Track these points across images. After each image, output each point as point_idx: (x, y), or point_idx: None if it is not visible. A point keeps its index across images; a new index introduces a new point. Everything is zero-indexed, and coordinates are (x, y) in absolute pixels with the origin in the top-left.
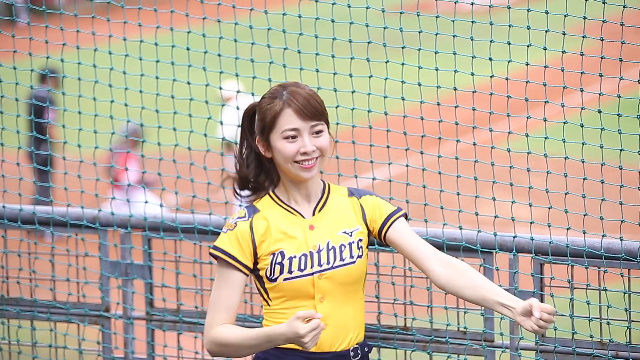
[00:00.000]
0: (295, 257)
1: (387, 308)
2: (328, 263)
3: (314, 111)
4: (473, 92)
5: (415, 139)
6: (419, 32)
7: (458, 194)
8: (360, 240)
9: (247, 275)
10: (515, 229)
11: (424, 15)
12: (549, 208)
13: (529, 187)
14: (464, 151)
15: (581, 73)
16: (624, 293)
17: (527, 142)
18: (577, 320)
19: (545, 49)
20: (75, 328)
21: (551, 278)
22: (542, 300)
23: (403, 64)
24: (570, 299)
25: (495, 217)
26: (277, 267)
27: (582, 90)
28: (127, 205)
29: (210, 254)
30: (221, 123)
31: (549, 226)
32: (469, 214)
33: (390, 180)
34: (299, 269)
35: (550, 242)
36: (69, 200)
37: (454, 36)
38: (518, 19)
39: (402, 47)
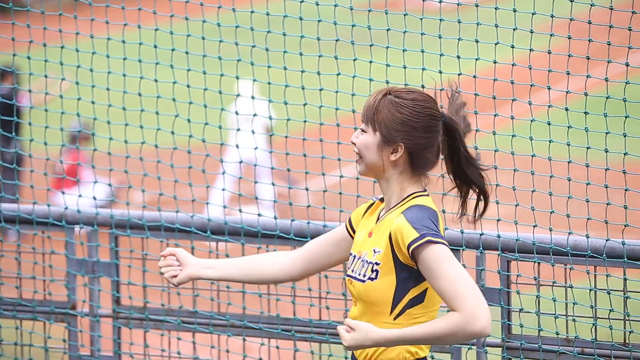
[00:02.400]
0: (351, 254)
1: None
2: (353, 271)
3: (364, 112)
4: (441, 89)
5: None
6: (387, 30)
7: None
8: (377, 264)
9: (351, 236)
10: (482, 226)
11: (392, 13)
12: (516, 205)
13: (496, 185)
14: None
15: (549, 71)
16: (590, 290)
17: (494, 140)
18: (543, 317)
19: (513, 47)
20: (41, 326)
21: (518, 275)
22: (508, 297)
23: (371, 61)
24: (537, 296)
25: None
26: None
27: (549, 88)
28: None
29: None
30: (236, 113)
31: (516, 223)
32: None
33: (357, 178)
34: (347, 267)
35: (517, 240)
36: (34, 198)
37: (422, 34)
38: (486, 17)
39: (370, 45)
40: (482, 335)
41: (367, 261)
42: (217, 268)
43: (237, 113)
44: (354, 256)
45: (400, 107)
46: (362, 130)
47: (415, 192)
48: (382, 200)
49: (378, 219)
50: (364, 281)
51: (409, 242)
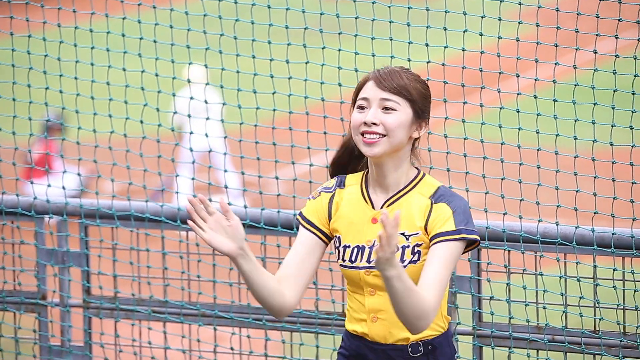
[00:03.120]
0: (349, 246)
1: (324, 294)
2: (372, 261)
3: (393, 84)
4: None
5: None
6: (356, 18)
7: None
8: (418, 245)
9: (322, 241)
10: None
11: (360, 1)
12: (486, 193)
13: (466, 173)
14: None
15: (517, 59)
16: (560, 277)
17: (463, 128)
18: (514, 304)
19: (481, 34)
20: (11, 316)
21: (488, 263)
22: (478, 285)
23: (340, 50)
24: (507, 283)
25: None
26: (336, 250)
27: (518, 76)
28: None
29: (296, 219)
30: (175, 113)
31: (486, 211)
32: None
33: (327, 167)
34: (350, 260)
35: (487, 228)
36: (3, 188)
37: (390, 22)
38: (454, 5)
39: (339, 33)
40: (418, 327)
41: (400, 247)
42: (256, 265)
43: (206, 102)
44: (361, 247)
45: (423, 84)
46: (386, 108)
47: (420, 171)
48: (341, 185)
49: (372, 203)
50: (404, 266)
51: (441, 232)
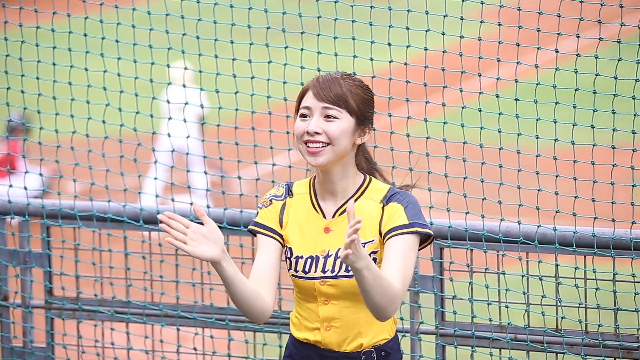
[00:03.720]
0: (301, 257)
1: (287, 294)
2: (332, 271)
3: (330, 94)
4: (372, 77)
5: None
6: (318, 18)
7: None
8: (374, 252)
9: (281, 245)
10: None
11: (322, 1)
12: (448, 192)
13: (428, 172)
14: None
15: (479, 58)
16: (522, 276)
17: (426, 127)
18: (476, 304)
19: (443, 34)
20: None
21: (450, 262)
22: (441, 284)
23: (302, 49)
24: (470, 282)
25: None
26: (287, 261)
27: (480, 75)
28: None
29: (249, 230)
30: (168, 101)
31: (448, 210)
32: None
33: (290, 167)
34: (303, 271)
35: (449, 227)
36: None
37: (352, 21)
38: (417, 4)
39: (301, 33)
40: (388, 313)
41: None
42: (235, 268)
43: (168, 102)
44: (315, 257)
45: (365, 89)
46: (327, 117)
47: (367, 176)
48: (289, 193)
49: (323, 212)
50: None
51: (395, 226)
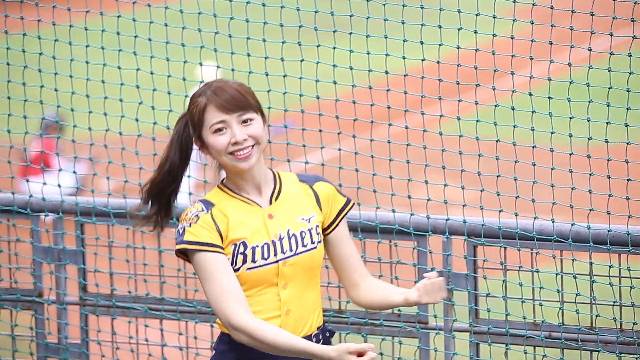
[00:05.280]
0: (257, 246)
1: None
2: (291, 250)
3: (236, 104)
4: (405, 75)
5: (347, 122)
6: (350, 16)
7: (391, 177)
8: (318, 226)
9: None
10: (448, 211)
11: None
12: (481, 190)
13: (461, 170)
14: (396, 135)
15: (512, 56)
16: (556, 274)
17: (459, 125)
18: (510, 301)
19: (476, 32)
20: (7, 314)
21: (484, 260)
22: (475, 282)
23: (334, 47)
24: (503, 280)
25: (428, 200)
26: (240, 257)
27: (513, 74)
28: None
29: (181, 252)
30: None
31: (482, 209)
32: (401, 197)
33: (322, 164)
34: (263, 258)
35: (482, 225)
36: None
37: (385, 20)
38: (449, 3)
39: (334, 31)
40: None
41: (306, 230)
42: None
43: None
44: (270, 242)
45: (246, 85)
46: (244, 122)
47: (270, 168)
48: (209, 205)
49: (257, 204)
50: (315, 247)
51: (339, 209)
